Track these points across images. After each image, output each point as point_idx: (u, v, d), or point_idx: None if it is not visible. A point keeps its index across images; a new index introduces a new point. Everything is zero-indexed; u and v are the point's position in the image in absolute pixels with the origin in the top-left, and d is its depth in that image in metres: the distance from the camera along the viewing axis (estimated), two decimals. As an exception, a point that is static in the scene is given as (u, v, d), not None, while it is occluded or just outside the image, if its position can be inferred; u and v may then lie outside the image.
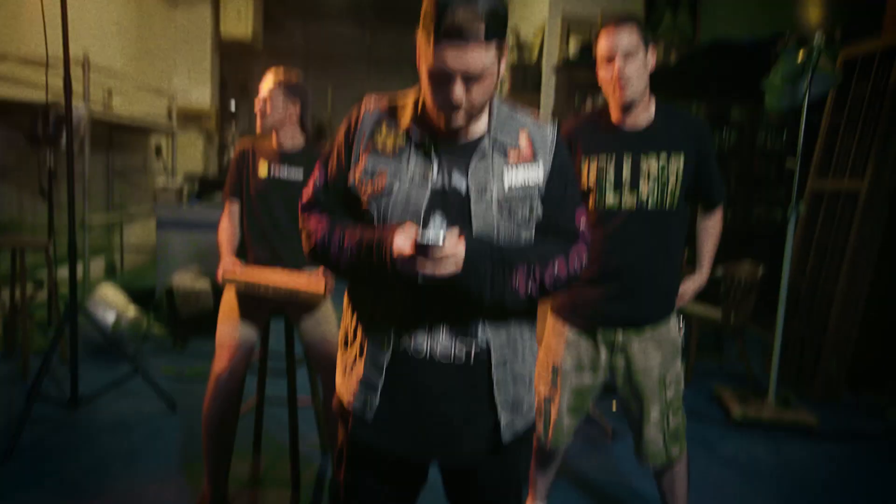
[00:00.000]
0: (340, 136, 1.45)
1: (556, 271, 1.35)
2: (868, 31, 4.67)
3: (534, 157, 1.39)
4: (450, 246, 1.22)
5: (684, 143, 2.05)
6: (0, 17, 4.67)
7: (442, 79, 1.25)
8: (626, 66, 1.95)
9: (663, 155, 2.03)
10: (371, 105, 1.44)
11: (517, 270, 1.30)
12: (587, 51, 6.14)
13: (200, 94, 8.51)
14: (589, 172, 2.07)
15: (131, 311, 4.25)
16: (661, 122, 2.07)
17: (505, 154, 1.37)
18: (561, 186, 1.41)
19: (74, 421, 3.23)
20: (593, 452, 3.22)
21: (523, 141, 1.39)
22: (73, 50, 4.95)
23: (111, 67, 6.38)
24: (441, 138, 1.36)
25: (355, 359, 1.44)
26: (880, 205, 4.00)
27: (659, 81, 2.06)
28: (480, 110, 1.33)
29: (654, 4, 6.58)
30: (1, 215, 4.87)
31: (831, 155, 4.41)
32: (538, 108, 6.80)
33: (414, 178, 1.34)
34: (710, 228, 2.32)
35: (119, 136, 6.78)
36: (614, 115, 2.09)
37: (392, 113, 1.42)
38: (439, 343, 1.35)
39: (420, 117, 1.38)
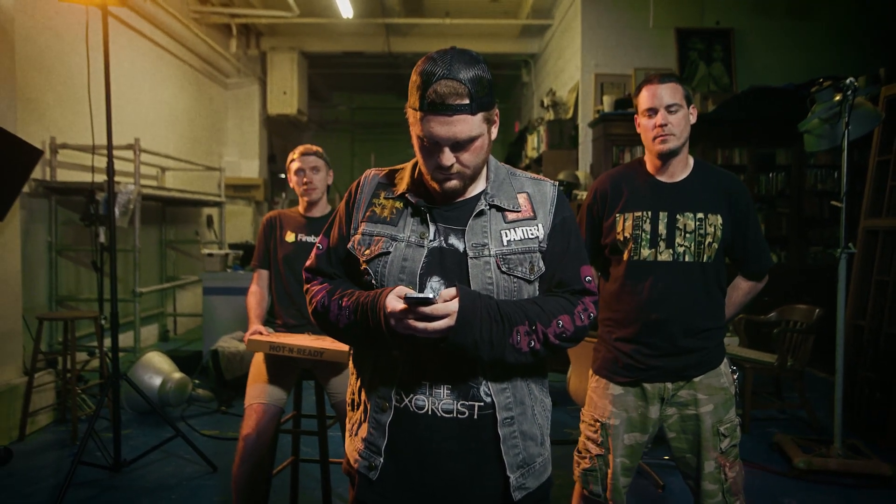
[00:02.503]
0: (342, 206, 1.49)
1: (560, 327, 1.31)
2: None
3: (533, 215, 1.39)
4: (441, 303, 1.21)
5: (722, 203, 2.02)
6: (61, 111, 5.03)
7: (432, 147, 1.29)
8: (669, 117, 1.96)
9: (700, 214, 2.00)
10: (370, 175, 1.48)
11: (517, 327, 1.28)
12: (621, 105, 6.17)
13: (249, 166, 8.90)
14: (624, 225, 2.04)
15: (176, 375, 4.33)
16: (698, 178, 2.05)
17: (502, 212, 1.37)
18: (563, 243, 1.40)
19: (116, 484, 3.25)
20: (645, 509, 3.05)
21: (522, 200, 1.40)
22: (127, 135, 5.30)
23: (165, 147, 6.74)
24: (438, 199, 1.38)
25: (360, 420, 1.42)
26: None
27: (699, 131, 2.05)
28: (475, 174, 1.35)
29: (688, 58, 6.61)
30: (59, 289, 5.10)
31: (882, 193, 4.24)
32: (576, 162, 6.82)
33: (410, 239, 1.35)
34: (742, 295, 2.16)
35: (172, 209, 7.09)
36: (651, 165, 2.08)
37: (390, 181, 1.45)
38: (441, 401, 1.32)
39: (417, 181, 1.41)
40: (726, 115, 5.91)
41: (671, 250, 2.01)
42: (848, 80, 3.27)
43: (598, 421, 2.09)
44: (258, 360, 2.61)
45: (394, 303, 1.23)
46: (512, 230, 1.36)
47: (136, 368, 4.26)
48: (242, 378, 4.68)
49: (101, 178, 4.62)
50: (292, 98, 8.85)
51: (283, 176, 12.13)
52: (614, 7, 6.66)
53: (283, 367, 2.57)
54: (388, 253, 1.35)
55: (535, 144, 7.96)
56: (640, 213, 2.04)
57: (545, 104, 7.62)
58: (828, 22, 6.71)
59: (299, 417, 2.90)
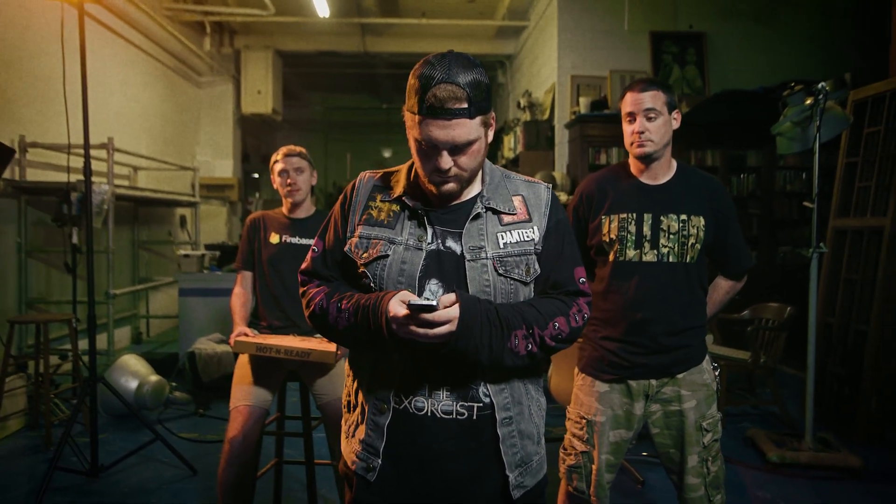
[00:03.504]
0: (337, 208, 1.49)
1: (556, 329, 1.33)
2: (878, 74, 4.73)
3: (528, 217, 1.41)
4: (443, 308, 1.22)
5: (704, 205, 2.07)
6: (32, 110, 4.93)
7: (430, 151, 1.29)
8: (648, 123, 2.01)
9: (683, 216, 2.05)
10: (366, 177, 1.48)
11: (515, 330, 1.29)
12: (597, 107, 6.25)
13: (223, 166, 8.80)
14: (610, 227, 2.08)
15: (153, 378, 4.27)
16: (681, 181, 2.10)
17: (498, 214, 1.39)
18: (558, 245, 1.42)
19: (95, 489, 3.20)
20: (624, 501, 3.09)
21: (517, 202, 1.42)
22: (100, 134, 5.21)
23: (137, 147, 6.64)
24: (434, 202, 1.39)
25: (357, 422, 1.42)
26: (906, 239, 3.92)
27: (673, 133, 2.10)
28: (472, 177, 1.36)
29: (662, 61, 6.71)
30: (30, 291, 4.99)
31: (850, 194, 4.37)
32: (553, 163, 6.89)
33: (408, 242, 1.36)
34: (722, 294, 2.23)
35: (144, 210, 6.98)
36: (635, 168, 2.13)
37: (386, 183, 1.46)
38: (440, 402, 1.33)
39: (413, 184, 1.41)
40: (699, 117, 6.00)
41: (656, 251, 2.05)
42: (820, 85, 3.37)
43: (584, 418, 2.12)
44: (243, 362, 2.59)
45: (396, 308, 1.24)
46: (508, 233, 1.38)
47: (112, 371, 4.19)
48: (220, 380, 4.64)
49: (74, 177, 4.56)
50: (267, 97, 8.77)
51: (256, 176, 12.03)
52: (590, 10, 6.74)
53: (268, 369, 2.56)
54: (387, 256, 1.36)
55: (511, 145, 8.01)
56: (625, 215, 2.08)
57: (521, 105, 7.67)
58: (793, 27, 6.88)
59: (283, 419, 2.89)
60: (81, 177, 4.32)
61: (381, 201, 1.43)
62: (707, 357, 2.14)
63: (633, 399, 2.09)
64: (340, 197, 1.50)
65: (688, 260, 2.06)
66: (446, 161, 1.29)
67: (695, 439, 2.06)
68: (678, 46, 6.71)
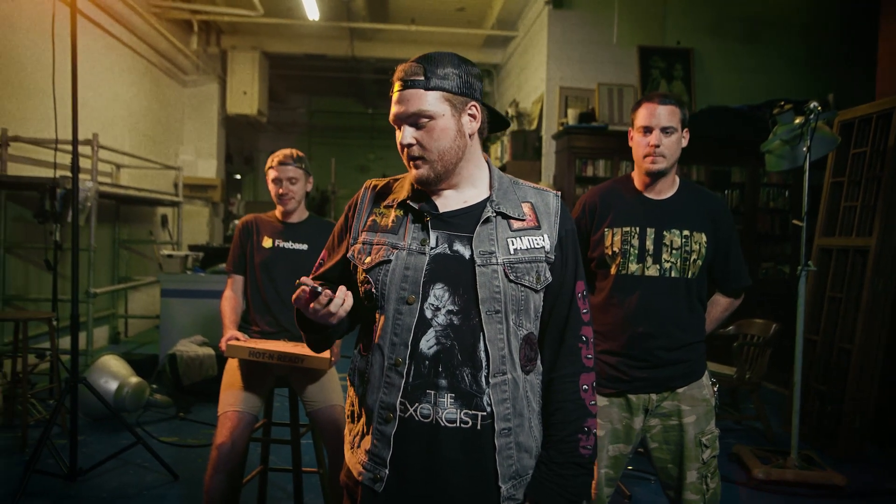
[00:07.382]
0: (342, 218, 1.51)
1: (588, 402, 1.39)
2: (859, 96, 4.84)
3: (537, 225, 1.40)
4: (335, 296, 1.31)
5: (706, 222, 2.07)
6: (13, 101, 4.82)
7: (397, 127, 1.34)
8: (663, 139, 2.01)
9: (686, 231, 2.05)
10: (370, 185, 1.49)
11: (581, 461, 1.36)
12: (585, 119, 6.28)
13: (207, 166, 8.70)
14: (613, 240, 2.08)
15: (133, 379, 4.18)
16: (684, 197, 2.11)
17: (508, 220, 1.38)
18: (566, 255, 1.41)
19: (73, 493, 3.11)
20: (613, 518, 3.09)
21: (526, 209, 1.41)
22: (84, 130, 5.12)
23: (121, 144, 6.53)
24: (440, 204, 1.38)
25: (362, 433, 1.40)
26: (891, 260, 3.97)
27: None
28: (444, 163, 1.34)
29: (650, 75, 6.78)
30: (7, 288, 4.87)
31: (836, 213, 4.43)
32: (539, 173, 6.91)
33: (411, 247, 1.35)
34: (720, 310, 2.24)
35: (126, 208, 6.87)
36: (639, 182, 2.12)
37: (390, 190, 1.46)
38: (445, 410, 1.31)
39: (417, 189, 1.40)
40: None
41: (658, 266, 2.05)
42: (812, 105, 3.41)
43: None
44: (232, 367, 2.54)
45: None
46: (518, 239, 1.37)
47: (92, 372, 4.09)
48: (201, 384, 4.56)
49: (58, 173, 4.46)
50: (252, 98, 8.70)
51: (238, 177, 11.90)
52: (579, 23, 6.78)
53: (257, 374, 2.51)
54: (389, 261, 1.35)
55: (498, 154, 8.02)
56: (628, 229, 2.08)
57: (509, 115, 7.69)
58: (778, 48, 6.99)
59: (269, 426, 2.83)
60: (65, 173, 4.25)
61: (384, 207, 1.43)
62: (707, 372, 2.15)
63: (633, 413, 2.08)
64: (346, 207, 1.51)
65: (689, 275, 2.06)
66: (405, 135, 1.31)
67: (694, 455, 2.05)
68: (666, 62, 6.78)
